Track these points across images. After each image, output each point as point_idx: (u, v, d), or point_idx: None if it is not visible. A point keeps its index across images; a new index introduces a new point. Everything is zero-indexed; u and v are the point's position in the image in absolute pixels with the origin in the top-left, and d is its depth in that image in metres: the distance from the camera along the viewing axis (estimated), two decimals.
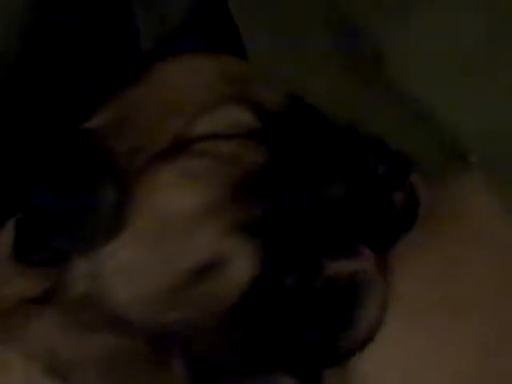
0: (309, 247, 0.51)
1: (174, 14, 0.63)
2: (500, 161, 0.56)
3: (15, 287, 0.52)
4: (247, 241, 0.50)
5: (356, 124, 0.57)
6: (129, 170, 0.52)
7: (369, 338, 0.52)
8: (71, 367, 0.51)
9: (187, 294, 0.50)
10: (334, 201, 0.52)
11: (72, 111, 0.58)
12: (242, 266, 0.49)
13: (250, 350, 0.52)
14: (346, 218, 0.52)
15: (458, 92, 0.57)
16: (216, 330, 0.51)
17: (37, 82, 0.60)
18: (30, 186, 0.52)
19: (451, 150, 0.59)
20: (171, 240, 0.50)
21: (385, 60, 0.60)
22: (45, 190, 0.52)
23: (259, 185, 0.52)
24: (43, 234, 0.51)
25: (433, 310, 0.53)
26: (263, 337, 0.51)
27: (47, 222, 0.51)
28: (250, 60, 0.62)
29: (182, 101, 0.55)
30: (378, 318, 0.52)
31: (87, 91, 0.60)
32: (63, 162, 0.52)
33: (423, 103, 0.58)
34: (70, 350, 0.51)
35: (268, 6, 0.62)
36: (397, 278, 0.54)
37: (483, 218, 0.57)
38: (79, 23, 0.60)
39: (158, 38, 0.63)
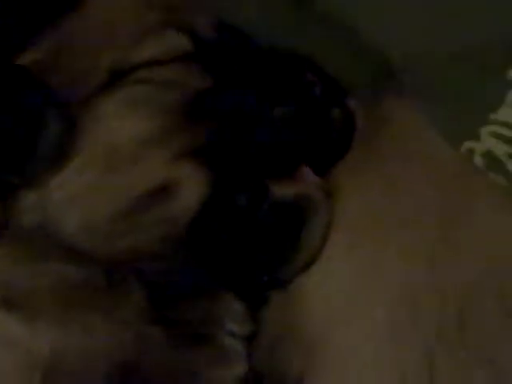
0: (255, 169, 0.53)
1: None
2: (435, 81, 0.60)
3: None
4: (195, 165, 0.52)
5: (292, 50, 0.59)
6: (71, 102, 0.53)
7: (312, 260, 0.55)
8: (26, 298, 0.52)
9: (138, 220, 0.52)
10: (278, 121, 0.54)
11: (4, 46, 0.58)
12: (191, 189, 0.52)
13: (200, 273, 0.54)
14: (290, 138, 0.54)
15: (392, 17, 0.60)
16: (168, 255, 0.53)
17: None
18: None
19: (384, 72, 0.62)
20: (119, 168, 0.52)
21: None
22: None
23: (204, 110, 0.54)
24: None
25: (377, 225, 0.55)
26: (213, 260, 0.53)
27: None
28: None
29: (116, 31, 0.56)
30: (322, 240, 0.55)
31: (18, 26, 0.59)
32: (2, 95, 0.52)
33: (359, 29, 0.60)
34: (25, 280, 0.52)
35: None
36: (340, 197, 0.56)
37: (416, 136, 0.60)
38: None
39: None
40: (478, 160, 0.64)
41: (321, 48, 0.62)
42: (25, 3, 0.59)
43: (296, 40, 0.62)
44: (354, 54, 0.64)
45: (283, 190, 0.54)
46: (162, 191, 0.52)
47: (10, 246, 0.53)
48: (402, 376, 0.53)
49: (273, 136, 0.55)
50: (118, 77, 0.54)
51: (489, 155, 0.64)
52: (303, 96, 0.57)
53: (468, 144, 0.64)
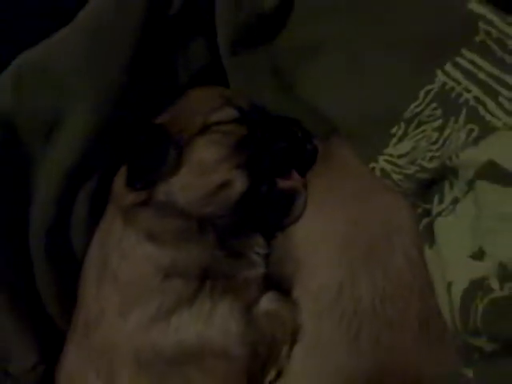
0: (270, 173, 0.80)
1: (196, 65, 0.86)
2: (356, 132, 0.79)
3: (128, 199, 0.78)
4: (241, 171, 0.77)
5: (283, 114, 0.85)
6: (180, 141, 0.77)
7: (297, 218, 0.80)
8: (158, 232, 0.75)
9: (214, 198, 0.77)
10: (281, 149, 0.81)
11: (149, 116, 0.83)
12: (239, 183, 0.77)
13: (244, 224, 0.80)
14: (287, 156, 0.82)
15: (334, 98, 0.79)
16: (228, 216, 0.78)
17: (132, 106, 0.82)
18: (134, 150, 0.79)
19: (330, 128, 0.83)
20: (205, 173, 0.76)
21: (297, 85, 0.84)
22: (142, 152, 0.78)
23: (245, 144, 0.79)
24: (142, 172, 0.77)
25: (328, 201, 0.79)
26: (249, 216, 0.79)
27: (145, 167, 0.77)
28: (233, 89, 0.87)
29: (202, 107, 0.81)
30: (302, 209, 0.80)
31: (155, 106, 0.84)
32: (150, 137, 0.78)
33: (319, 106, 0.81)
34: (156, 226, 0.76)
35: (242, 68, 0.86)
36: (310, 187, 0.82)
37: (347, 160, 0.81)
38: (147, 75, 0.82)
39: (188, 77, 0.87)
40: (378, 173, 0.77)
41: (297, 113, 0.85)
42: (160, 94, 0.85)
43: (286, 108, 0.86)
44: (315, 116, 0.83)
45: (284, 183, 0.79)
46: (225, 184, 0.76)
47: (153, 208, 0.77)
48: (341, 280, 0.75)
49: (277, 157, 0.80)
50: (203, 130, 0.78)
51: (383, 171, 0.77)
52: (292, 137, 0.81)
53: (372, 164, 0.77)
